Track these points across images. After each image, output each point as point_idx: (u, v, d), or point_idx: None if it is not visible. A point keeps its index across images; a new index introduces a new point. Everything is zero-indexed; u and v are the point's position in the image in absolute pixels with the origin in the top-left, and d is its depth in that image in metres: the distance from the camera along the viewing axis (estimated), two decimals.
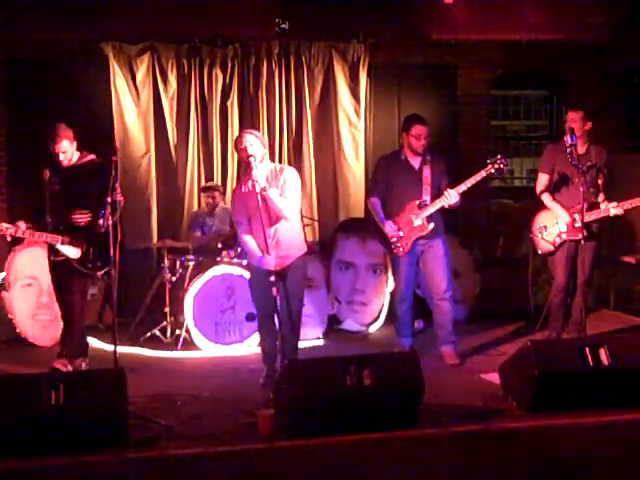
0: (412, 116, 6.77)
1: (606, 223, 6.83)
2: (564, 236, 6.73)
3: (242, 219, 5.90)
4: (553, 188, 6.84)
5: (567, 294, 6.91)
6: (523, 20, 8.65)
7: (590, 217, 6.63)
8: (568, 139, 6.47)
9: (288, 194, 5.80)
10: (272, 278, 5.48)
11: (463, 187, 6.41)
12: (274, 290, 5.46)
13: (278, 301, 5.53)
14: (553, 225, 6.78)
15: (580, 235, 6.39)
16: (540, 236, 6.83)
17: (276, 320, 5.59)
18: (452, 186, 6.48)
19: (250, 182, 5.79)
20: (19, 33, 8.32)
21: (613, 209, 6.62)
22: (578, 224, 6.47)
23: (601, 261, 7.71)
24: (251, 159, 5.69)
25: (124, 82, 8.50)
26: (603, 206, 6.70)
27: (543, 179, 6.92)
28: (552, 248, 6.82)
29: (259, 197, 5.62)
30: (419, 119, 6.66)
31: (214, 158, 8.73)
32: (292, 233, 5.91)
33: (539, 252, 6.93)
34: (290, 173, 5.90)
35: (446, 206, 6.48)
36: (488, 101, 9.61)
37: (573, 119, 6.70)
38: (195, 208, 8.65)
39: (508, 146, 10.43)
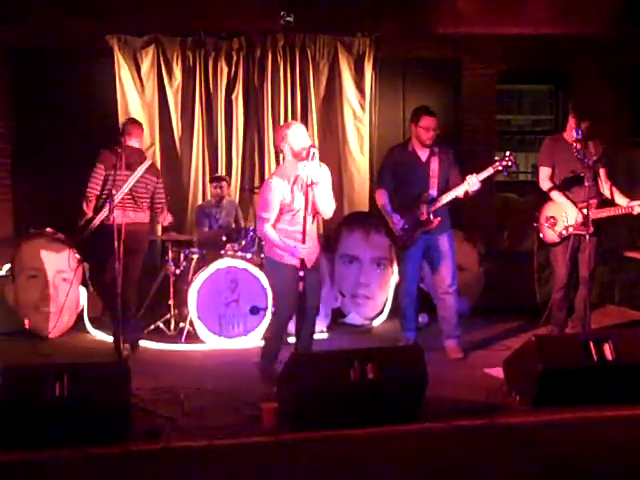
0: (421, 107, 6.73)
1: (610, 218, 6.79)
2: (571, 229, 6.70)
3: (272, 214, 5.64)
4: (559, 185, 6.79)
5: (569, 289, 6.89)
6: (528, 15, 8.64)
7: (610, 213, 6.58)
8: (574, 133, 6.44)
9: (328, 192, 5.78)
10: (301, 273, 5.43)
11: (482, 176, 6.34)
12: (301, 285, 5.42)
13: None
14: (561, 217, 6.75)
15: (586, 231, 6.37)
16: (547, 225, 6.79)
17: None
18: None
19: (302, 175, 5.60)
20: (24, 26, 8.32)
21: (638, 207, 6.55)
22: (585, 219, 6.43)
23: (605, 256, 7.69)
24: (314, 150, 5.55)
25: (129, 74, 8.50)
26: (624, 202, 6.64)
27: (545, 172, 6.86)
28: (557, 239, 6.79)
29: (309, 190, 5.52)
30: (428, 111, 6.62)
31: (219, 151, 8.73)
32: (315, 230, 5.87)
33: (541, 236, 6.90)
34: (327, 171, 5.84)
35: (461, 195, 6.42)
36: (493, 95, 9.59)
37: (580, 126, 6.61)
38: (200, 200, 8.65)
39: (513, 141, 10.39)
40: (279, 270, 5.77)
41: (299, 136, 5.68)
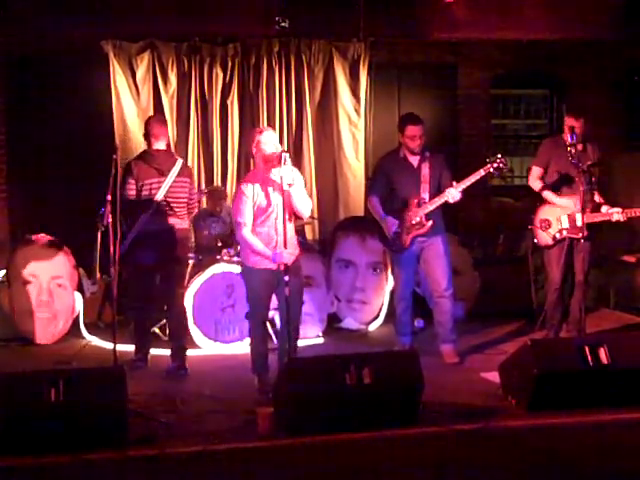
0: (405, 116, 6.78)
1: (606, 222, 6.80)
2: (565, 232, 6.72)
3: (248, 219, 5.71)
4: (553, 187, 6.81)
5: (563, 292, 6.91)
6: (523, 19, 8.65)
7: (592, 219, 6.60)
8: (568, 138, 6.46)
9: (302, 192, 5.86)
10: (286, 278, 5.46)
11: (462, 186, 6.39)
12: (287, 290, 5.44)
13: (278, 301, 5.54)
14: (555, 220, 6.76)
15: (580, 234, 6.39)
16: (541, 228, 6.80)
17: (278, 322, 5.59)
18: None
19: (275, 178, 5.68)
20: (20, 31, 8.31)
21: (616, 214, 6.57)
22: (579, 223, 6.47)
23: (601, 260, 7.71)
24: (285, 155, 5.55)
25: (124, 80, 8.48)
26: (604, 209, 6.67)
27: (536, 172, 6.88)
28: (551, 242, 6.81)
29: (285, 193, 5.57)
30: (412, 119, 6.64)
31: (214, 156, 8.72)
32: (293, 232, 5.92)
33: (535, 241, 6.91)
34: (299, 174, 5.95)
35: (451, 201, 6.45)
36: (488, 100, 9.61)
37: (574, 125, 6.64)
38: None
39: (508, 145, 10.40)
40: (253, 275, 5.86)
41: (270, 142, 5.76)
